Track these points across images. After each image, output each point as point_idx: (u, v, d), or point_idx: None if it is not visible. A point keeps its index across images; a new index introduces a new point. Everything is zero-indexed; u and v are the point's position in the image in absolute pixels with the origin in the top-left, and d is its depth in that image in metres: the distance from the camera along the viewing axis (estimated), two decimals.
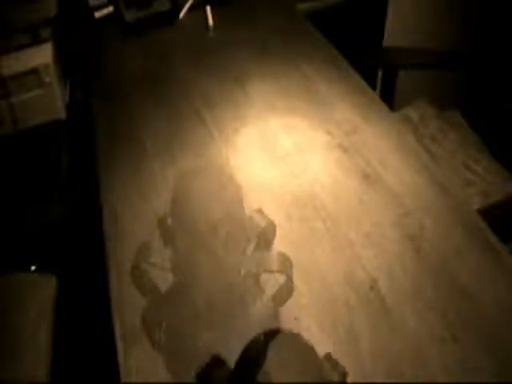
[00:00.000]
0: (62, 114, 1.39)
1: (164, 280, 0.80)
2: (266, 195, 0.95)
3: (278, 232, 0.88)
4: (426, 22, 1.80)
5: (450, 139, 1.45)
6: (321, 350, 0.72)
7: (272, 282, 0.78)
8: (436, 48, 1.67)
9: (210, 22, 1.41)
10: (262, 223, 0.82)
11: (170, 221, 0.84)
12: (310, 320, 0.77)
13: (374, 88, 1.63)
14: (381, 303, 0.78)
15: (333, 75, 1.19)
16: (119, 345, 0.77)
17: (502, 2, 1.64)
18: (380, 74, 1.68)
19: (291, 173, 0.99)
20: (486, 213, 1.06)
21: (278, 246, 0.86)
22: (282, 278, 0.77)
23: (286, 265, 0.77)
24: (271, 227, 0.83)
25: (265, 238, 0.82)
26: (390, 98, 1.63)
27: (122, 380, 0.72)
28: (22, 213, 1.43)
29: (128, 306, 0.81)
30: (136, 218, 0.94)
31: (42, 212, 1.44)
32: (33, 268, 1.29)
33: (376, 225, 0.88)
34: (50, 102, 1.35)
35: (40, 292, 1.12)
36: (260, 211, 0.84)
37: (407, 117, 1.53)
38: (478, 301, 0.76)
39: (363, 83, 1.17)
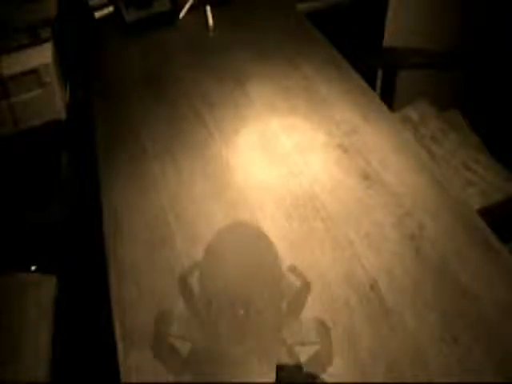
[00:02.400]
0: (62, 114, 1.39)
1: (187, 347, 0.73)
2: (266, 195, 0.95)
3: (278, 232, 0.89)
4: (426, 22, 1.80)
5: (450, 139, 1.45)
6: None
7: (307, 352, 0.72)
8: (436, 48, 1.67)
9: (210, 21, 1.41)
10: (297, 283, 0.78)
11: (195, 281, 0.78)
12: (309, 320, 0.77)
13: (373, 88, 1.63)
14: (381, 303, 0.77)
15: (333, 75, 1.19)
16: (119, 345, 0.76)
17: (501, 2, 1.64)
18: (380, 73, 1.68)
19: (291, 173, 0.99)
20: (486, 213, 1.06)
21: (278, 246, 0.86)
22: (317, 347, 0.73)
23: (322, 333, 0.73)
24: (306, 287, 0.79)
25: (299, 299, 0.78)
26: (390, 98, 1.63)
27: (122, 380, 0.72)
28: (21, 213, 1.43)
29: (128, 306, 0.81)
30: (136, 218, 0.94)
31: (42, 212, 1.44)
32: (33, 268, 1.29)
33: (376, 225, 0.88)
34: (50, 102, 1.35)
35: (40, 292, 1.11)
36: (294, 269, 0.81)
37: (407, 117, 1.53)
38: (478, 301, 0.76)
39: (363, 83, 1.17)
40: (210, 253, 0.82)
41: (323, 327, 0.74)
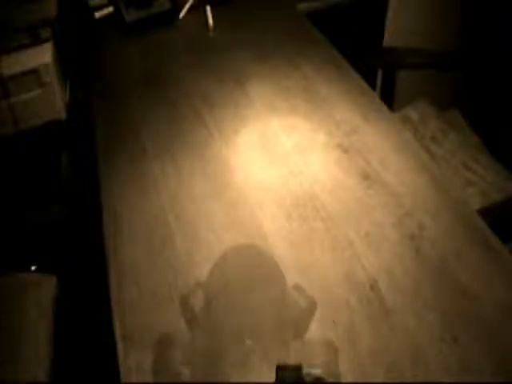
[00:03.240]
0: (62, 114, 1.39)
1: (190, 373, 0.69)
2: (266, 195, 0.95)
3: (278, 232, 0.89)
4: (426, 22, 1.80)
5: (450, 139, 1.45)
6: (320, 350, 0.72)
7: (314, 374, 0.68)
8: (436, 48, 1.67)
9: (210, 22, 1.41)
10: (303, 303, 0.73)
11: (198, 306, 0.72)
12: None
13: (373, 88, 1.63)
14: (381, 303, 0.78)
15: (333, 75, 1.19)
16: (119, 345, 0.76)
17: (501, 2, 1.64)
18: (380, 73, 1.68)
19: (291, 173, 0.99)
20: (486, 213, 1.06)
21: (279, 246, 0.86)
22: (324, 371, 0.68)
23: (330, 355, 0.69)
24: (312, 306, 0.74)
25: (305, 320, 0.74)
26: (390, 98, 1.63)
27: (122, 380, 0.72)
28: (22, 213, 1.43)
29: (128, 306, 0.81)
30: (136, 218, 0.94)
31: (42, 212, 1.44)
32: (33, 268, 1.29)
33: (376, 225, 0.88)
34: (50, 102, 1.35)
35: (40, 292, 1.11)
36: (298, 288, 0.75)
37: (407, 117, 1.53)
38: (478, 301, 0.76)
39: (363, 83, 1.17)
40: (213, 274, 0.77)
41: (331, 349, 0.71)
